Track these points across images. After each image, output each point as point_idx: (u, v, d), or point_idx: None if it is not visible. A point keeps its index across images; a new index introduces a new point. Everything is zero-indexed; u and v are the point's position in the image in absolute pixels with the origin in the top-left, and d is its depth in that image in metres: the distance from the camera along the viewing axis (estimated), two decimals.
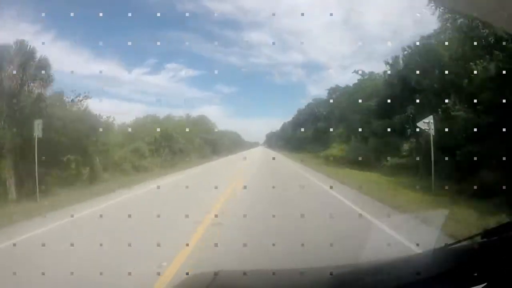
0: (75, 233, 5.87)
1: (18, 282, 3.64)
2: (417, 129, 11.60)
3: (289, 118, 69.42)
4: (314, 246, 4.59)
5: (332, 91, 38.66)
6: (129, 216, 5.64)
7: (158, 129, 23.98)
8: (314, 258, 3.95)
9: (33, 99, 12.55)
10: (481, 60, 9.67)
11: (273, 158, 27.29)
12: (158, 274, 3.82)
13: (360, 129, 18.94)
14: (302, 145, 46.27)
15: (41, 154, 10.20)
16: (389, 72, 18.56)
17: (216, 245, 4.82)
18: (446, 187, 8.21)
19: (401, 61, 17.52)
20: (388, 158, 14.99)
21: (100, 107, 22.68)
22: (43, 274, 3.65)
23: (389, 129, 14.68)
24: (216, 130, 45.66)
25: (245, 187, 9.66)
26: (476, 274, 1.01)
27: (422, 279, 1.07)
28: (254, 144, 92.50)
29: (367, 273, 1.35)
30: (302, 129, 48.77)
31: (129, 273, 3.50)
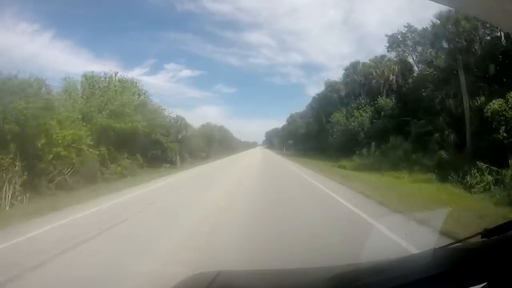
0: None
1: None
2: None
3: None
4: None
5: (398, 38, 22.01)
6: None
7: None
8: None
9: None
10: None
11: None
12: None
13: None
14: (344, 147, 24.14)
15: None
16: None
17: None
18: None
19: None
20: None
21: None
22: None
23: None
24: (166, 114, 25.03)
25: None
26: (476, 274, 1.01)
27: (422, 279, 1.07)
28: (252, 145, 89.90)
29: (367, 273, 1.35)
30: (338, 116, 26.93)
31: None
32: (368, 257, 1.92)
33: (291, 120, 55.66)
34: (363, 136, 23.83)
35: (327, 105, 32.43)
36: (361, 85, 27.30)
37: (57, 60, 45.28)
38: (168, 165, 23.02)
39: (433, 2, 1.46)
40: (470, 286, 0.96)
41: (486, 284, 0.96)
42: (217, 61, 65.84)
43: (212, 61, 63.68)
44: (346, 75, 31.10)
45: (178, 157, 25.72)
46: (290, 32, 77.40)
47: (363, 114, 24.88)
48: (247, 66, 67.86)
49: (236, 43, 79.31)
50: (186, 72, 75.91)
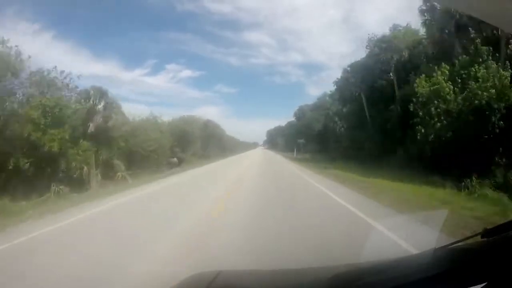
0: None
1: None
2: None
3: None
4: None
5: None
6: None
7: None
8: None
9: None
10: None
11: None
12: None
13: None
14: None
15: None
16: None
17: None
18: None
19: None
20: None
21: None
22: None
23: None
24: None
25: None
26: (476, 274, 1.01)
27: (422, 279, 1.07)
28: (252, 145, 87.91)
29: (367, 273, 1.35)
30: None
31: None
32: (368, 257, 1.92)
33: (300, 114, 45.07)
34: (501, 123, 11.26)
35: (373, 78, 19.43)
36: (463, 27, 14.35)
37: (57, 60, 45.29)
38: (62, 187, 12.16)
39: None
40: (470, 286, 0.96)
41: (486, 284, 0.95)
42: (217, 61, 66.03)
43: (212, 61, 63.74)
44: (431, 8, 15.96)
45: (90, 170, 13.81)
46: (290, 31, 77.57)
47: (504, 72, 11.74)
48: (247, 66, 67.98)
49: (236, 43, 79.79)
50: (187, 72, 76.30)
